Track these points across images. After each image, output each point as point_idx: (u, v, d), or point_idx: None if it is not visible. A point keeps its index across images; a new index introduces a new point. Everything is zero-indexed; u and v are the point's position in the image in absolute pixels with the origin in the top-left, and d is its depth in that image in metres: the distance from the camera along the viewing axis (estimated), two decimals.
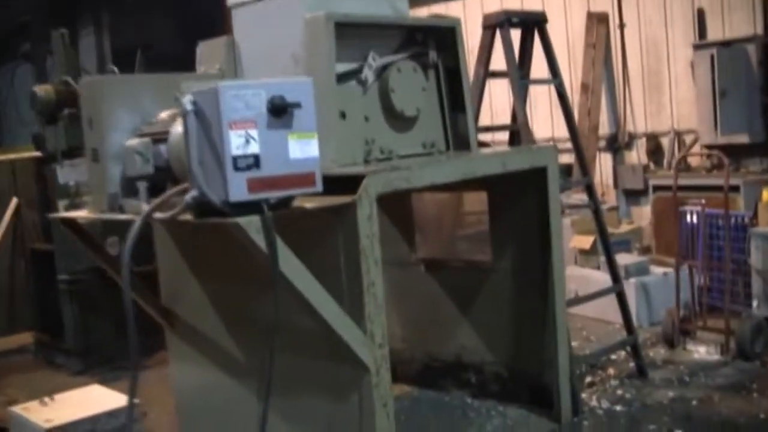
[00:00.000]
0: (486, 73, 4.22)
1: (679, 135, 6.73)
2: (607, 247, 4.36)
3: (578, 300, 4.47)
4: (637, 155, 7.10)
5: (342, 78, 3.22)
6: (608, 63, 7.25)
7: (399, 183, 2.92)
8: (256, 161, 2.44)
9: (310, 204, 2.64)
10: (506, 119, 5.25)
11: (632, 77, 7.10)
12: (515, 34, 4.21)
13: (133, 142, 3.03)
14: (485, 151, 3.79)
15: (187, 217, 2.64)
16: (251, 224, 2.47)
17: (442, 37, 3.60)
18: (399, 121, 3.42)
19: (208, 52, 3.64)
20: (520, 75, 4.16)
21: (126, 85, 3.36)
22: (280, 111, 2.46)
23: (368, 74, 3.29)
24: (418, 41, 3.55)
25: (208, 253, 3.43)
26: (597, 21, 7.15)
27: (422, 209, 4.41)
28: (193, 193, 2.55)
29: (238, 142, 2.42)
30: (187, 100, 2.51)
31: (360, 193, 2.75)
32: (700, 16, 6.47)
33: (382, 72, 3.36)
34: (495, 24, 4.12)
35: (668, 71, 6.83)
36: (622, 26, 7.09)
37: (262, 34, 3.39)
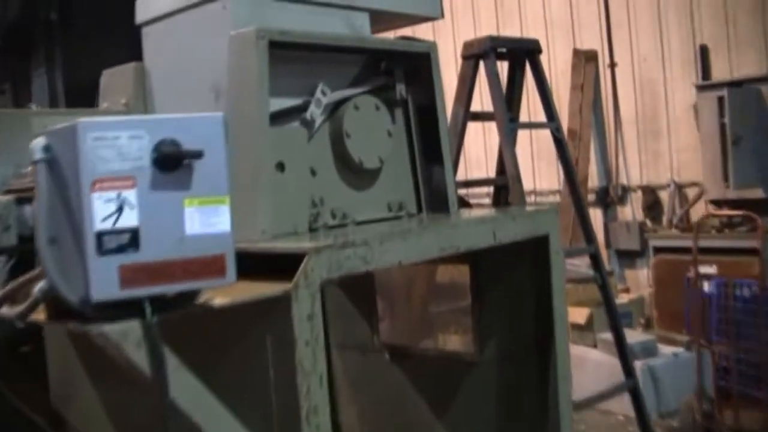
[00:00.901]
0: (467, 113, 3.42)
1: (680, 188, 5.97)
2: (617, 329, 3.56)
3: (588, 402, 3.64)
4: (631, 211, 6.34)
5: (280, 118, 2.40)
6: (597, 107, 6.52)
7: (353, 264, 2.08)
8: (133, 239, 1.61)
9: (221, 298, 1.80)
10: (482, 170, 4.46)
11: (625, 122, 6.38)
12: (501, 67, 3.43)
13: None
14: (468, 215, 2.98)
15: (40, 316, 1.79)
16: (127, 335, 1.63)
17: (414, 66, 2.79)
18: (356, 174, 2.60)
19: (113, 82, 2.81)
20: (509, 117, 3.37)
21: None
22: (171, 163, 1.64)
23: (315, 113, 2.48)
24: (382, 70, 2.74)
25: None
26: (585, 59, 6.44)
27: (386, 281, 3.57)
28: (42, 285, 1.70)
29: (105, 211, 1.58)
30: (37, 146, 1.67)
31: (297, 280, 1.92)
32: (703, 54, 5.75)
33: (334, 110, 2.55)
34: (478, 54, 3.34)
35: (666, 115, 6.11)
36: (613, 65, 6.38)
37: (176, 59, 2.58)
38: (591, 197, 6.36)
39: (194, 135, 1.66)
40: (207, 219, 1.67)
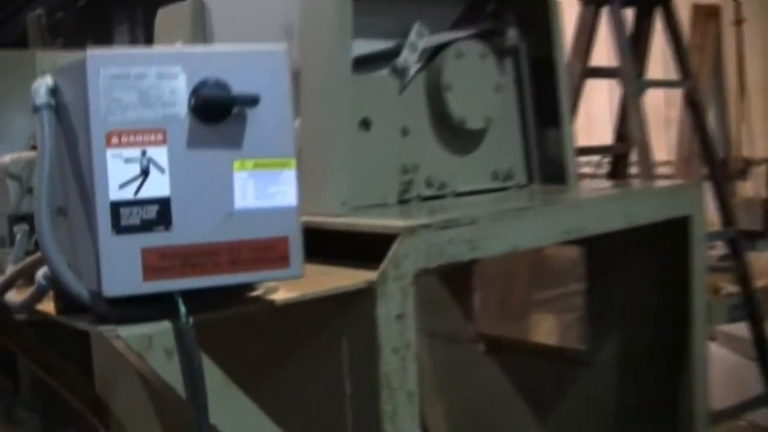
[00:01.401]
0: (585, 69, 2.90)
1: None
2: (757, 326, 3.01)
3: (729, 412, 3.10)
4: (754, 187, 5.68)
5: (365, 64, 1.94)
6: (717, 70, 5.85)
7: (456, 250, 1.62)
8: (162, 214, 1.18)
9: (282, 293, 1.36)
10: (587, 136, 3.91)
11: (751, 88, 5.67)
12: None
13: (6, 159, 1.79)
14: (591, 189, 2.48)
15: (50, 308, 1.39)
16: (152, 341, 1.21)
17: (528, 9, 2.30)
18: (457, 136, 2.13)
19: (169, 22, 2.39)
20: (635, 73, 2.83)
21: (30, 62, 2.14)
22: (216, 111, 1.20)
23: (409, 59, 2.01)
24: (490, 12, 2.25)
25: None
26: (705, 16, 5.75)
27: (484, 262, 3.09)
28: (46, 270, 1.30)
29: (124, 174, 1.16)
30: (40, 87, 1.25)
31: (384, 269, 1.47)
32: None
33: (432, 57, 2.08)
34: None
35: None
36: (739, 22, 5.66)
37: None
38: (704, 170, 5.74)
39: (248, 75, 1.21)
40: (264, 188, 1.23)
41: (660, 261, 2.41)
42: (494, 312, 3.12)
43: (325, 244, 1.60)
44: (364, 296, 1.47)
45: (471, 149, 2.19)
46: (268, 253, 1.23)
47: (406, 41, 2.01)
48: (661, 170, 4.31)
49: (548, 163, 2.34)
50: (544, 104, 2.32)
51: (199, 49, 1.26)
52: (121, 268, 1.16)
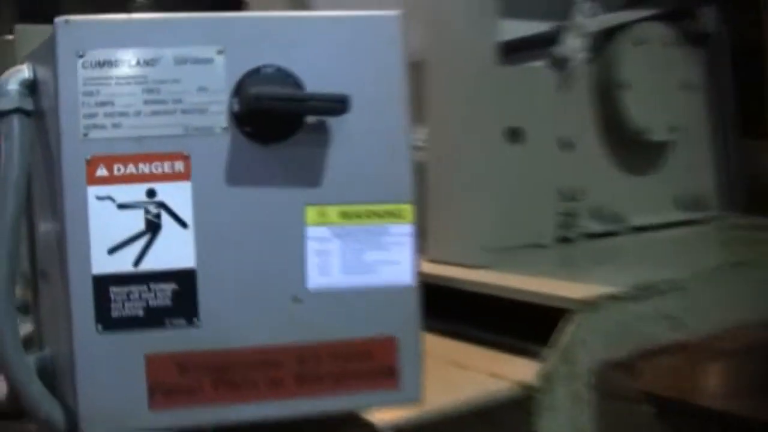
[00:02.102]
0: None
1: None
2: None
3: None
4: None
5: (513, 53, 1.41)
6: None
7: (654, 329, 1.07)
8: (181, 298, 0.68)
9: (388, 414, 0.85)
10: None
11: None
12: None
13: None
14: None
15: None
16: None
17: None
18: (635, 151, 1.57)
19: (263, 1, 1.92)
20: None
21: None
22: (276, 124, 0.69)
23: (573, 46, 1.46)
24: None
25: None
26: None
27: None
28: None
29: (116, 229, 0.67)
30: (10, 80, 0.78)
31: (551, 369, 0.95)
32: None
33: (602, 45, 1.53)
34: None
35: None
36: None
37: None
38: None
39: (332, 60, 0.70)
40: (359, 255, 0.71)
41: None
42: (667, 367, 2.52)
43: (450, 306, 1.10)
44: (517, 407, 0.94)
45: (651, 169, 1.62)
46: (364, 365, 0.72)
47: (568, 22, 1.47)
48: None
49: (753, 187, 1.74)
50: (749, 109, 1.73)
51: (249, 17, 0.76)
52: (112, 390, 0.68)
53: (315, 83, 0.69)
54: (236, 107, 0.68)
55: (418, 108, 1.34)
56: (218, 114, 0.68)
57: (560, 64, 1.47)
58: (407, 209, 0.72)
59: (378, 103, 0.71)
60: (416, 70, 1.32)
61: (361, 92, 0.70)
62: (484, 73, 1.28)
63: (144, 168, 0.67)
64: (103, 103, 0.66)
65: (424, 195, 1.28)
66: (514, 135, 1.40)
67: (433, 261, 1.26)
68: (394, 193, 0.71)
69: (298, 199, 0.69)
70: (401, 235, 0.71)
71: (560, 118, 1.46)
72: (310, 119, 0.69)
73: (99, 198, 0.66)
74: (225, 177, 0.68)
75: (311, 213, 0.69)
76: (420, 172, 1.32)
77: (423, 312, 0.73)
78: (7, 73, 0.77)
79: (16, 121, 0.74)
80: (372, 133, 0.71)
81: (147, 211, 0.67)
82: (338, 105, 0.67)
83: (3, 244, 0.71)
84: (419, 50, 1.32)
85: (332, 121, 0.69)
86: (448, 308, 1.14)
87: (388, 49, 0.72)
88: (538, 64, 1.48)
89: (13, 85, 0.75)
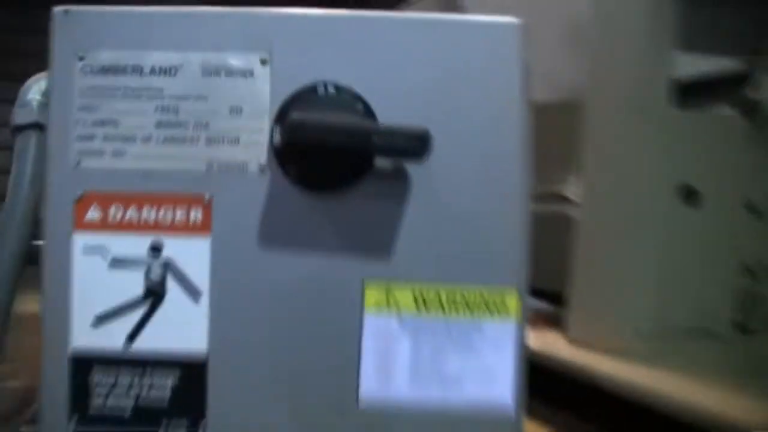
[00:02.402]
0: None
1: None
2: None
3: None
4: None
5: (691, 96, 1.15)
6: None
7: None
8: (186, 395, 0.49)
9: None
10: None
11: None
12: None
13: None
14: None
15: None
16: None
17: None
18: None
19: None
20: None
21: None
22: (334, 166, 0.49)
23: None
24: None
25: None
26: None
27: None
28: None
29: (105, 293, 0.49)
30: (29, 91, 0.62)
31: None
32: None
33: None
34: None
35: None
36: None
37: None
38: None
39: (416, 82, 0.50)
40: (437, 359, 0.50)
41: None
42: None
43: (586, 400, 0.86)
44: None
45: None
46: None
47: (762, 59, 1.20)
48: None
49: None
50: None
51: (309, 14, 0.57)
52: None
53: (392, 110, 0.49)
54: (278, 138, 0.48)
55: (572, 155, 1.12)
56: (255, 146, 0.49)
57: (751, 110, 1.19)
58: (513, 298, 0.50)
59: (483, 144, 0.50)
60: (571, 110, 1.10)
61: (458, 127, 0.49)
62: (656, 117, 1.04)
63: (150, 213, 0.49)
64: (103, 122, 0.49)
65: (572, 257, 1.05)
66: (690, 194, 1.14)
67: (573, 342, 1.02)
68: (497, 273, 0.50)
69: (356, 271, 0.49)
70: (501, 334, 0.50)
71: (749, 178, 1.18)
72: (382, 161, 0.49)
73: (88, 249, 0.49)
74: (257, 233, 0.49)
75: (373, 293, 0.49)
76: (569, 229, 1.09)
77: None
78: (31, 80, 0.62)
79: (33, 138, 0.58)
80: (470, 184, 0.50)
81: (149, 272, 0.49)
82: (413, 144, 0.46)
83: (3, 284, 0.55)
84: (575, 87, 1.09)
85: (414, 166, 0.49)
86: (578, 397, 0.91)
87: (503, 70, 0.51)
88: (724, 109, 1.21)
89: (34, 95, 0.60)
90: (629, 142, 1.06)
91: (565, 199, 1.19)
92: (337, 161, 0.48)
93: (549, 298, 1.18)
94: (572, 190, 1.07)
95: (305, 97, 0.49)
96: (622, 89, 1.07)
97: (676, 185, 1.13)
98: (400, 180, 0.49)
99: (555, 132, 1.03)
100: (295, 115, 0.47)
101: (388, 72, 0.50)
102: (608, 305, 1.04)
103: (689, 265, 1.11)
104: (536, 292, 0.93)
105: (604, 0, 1.12)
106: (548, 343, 1.03)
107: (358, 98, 0.49)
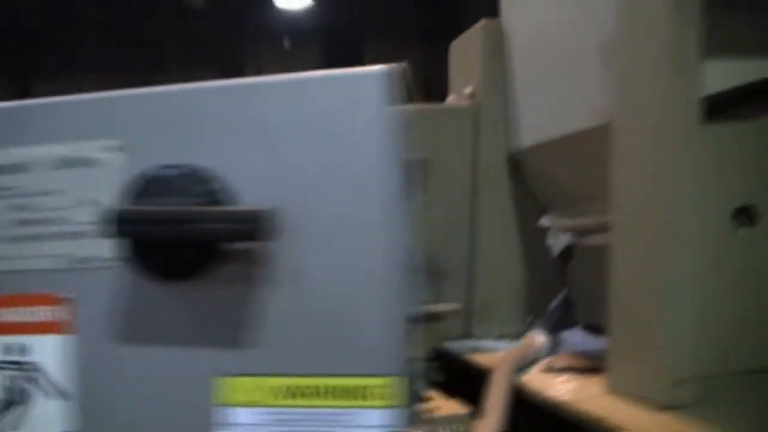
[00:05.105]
0: None
1: None
2: None
3: None
4: None
5: (725, 108, 1.04)
6: None
7: None
8: None
9: None
10: None
11: None
12: None
13: None
14: None
15: None
16: None
17: None
18: None
19: (462, 53, 1.67)
20: None
21: None
22: (186, 253, 0.47)
23: None
24: None
25: None
26: None
27: None
28: None
29: None
30: None
31: None
32: None
33: None
34: None
35: None
36: None
37: (547, 8, 1.36)
38: None
39: (281, 155, 0.47)
40: None
41: None
42: None
43: None
44: None
45: None
46: None
47: None
48: None
49: None
50: None
51: (173, 91, 0.52)
52: None
53: (254, 184, 0.46)
54: (120, 226, 0.46)
55: (604, 181, 1.03)
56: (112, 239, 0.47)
57: None
58: (391, 384, 0.45)
59: (347, 212, 0.46)
60: (601, 136, 1.02)
61: (322, 197, 0.45)
62: (690, 133, 0.95)
63: (7, 315, 0.47)
64: None
65: (608, 292, 0.97)
66: (747, 216, 1.04)
67: (613, 391, 0.94)
68: (370, 359, 0.46)
69: (206, 364, 0.46)
70: (379, 428, 0.45)
71: None
72: (228, 246, 0.45)
73: None
74: (118, 330, 0.47)
75: (223, 387, 0.46)
76: (600, 261, 1.00)
77: None
78: None
79: None
80: (334, 259, 0.46)
81: (7, 377, 0.47)
82: (249, 226, 0.43)
83: None
84: (605, 110, 1.02)
85: (283, 245, 0.46)
86: None
87: (367, 126, 0.46)
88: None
89: None
90: (662, 162, 0.97)
91: (597, 228, 1.11)
92: (179, 250, 0.45)
93: None
94: (601, 218, 0.99)
95: (149, 182, 0.46)
96: (651, 107, 0.99)
97: (733, 207, 1.02)
98: (249, 264, 0.46)
99: (600, 159, 0.95)
100: (121, 209, 0.45)
101: (251, 144, 0.47)
102: (644, 348, 0.94)
103: (744, 296, 1.01)
104: (601, 329, 0.84)
105: (628, 15, 1.04)
106: (583, 393, 0.95)
107: (212, 178, 0.46)
